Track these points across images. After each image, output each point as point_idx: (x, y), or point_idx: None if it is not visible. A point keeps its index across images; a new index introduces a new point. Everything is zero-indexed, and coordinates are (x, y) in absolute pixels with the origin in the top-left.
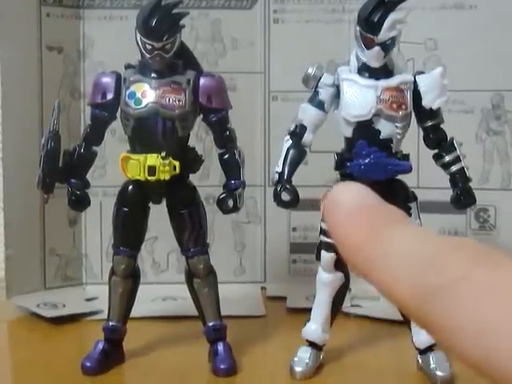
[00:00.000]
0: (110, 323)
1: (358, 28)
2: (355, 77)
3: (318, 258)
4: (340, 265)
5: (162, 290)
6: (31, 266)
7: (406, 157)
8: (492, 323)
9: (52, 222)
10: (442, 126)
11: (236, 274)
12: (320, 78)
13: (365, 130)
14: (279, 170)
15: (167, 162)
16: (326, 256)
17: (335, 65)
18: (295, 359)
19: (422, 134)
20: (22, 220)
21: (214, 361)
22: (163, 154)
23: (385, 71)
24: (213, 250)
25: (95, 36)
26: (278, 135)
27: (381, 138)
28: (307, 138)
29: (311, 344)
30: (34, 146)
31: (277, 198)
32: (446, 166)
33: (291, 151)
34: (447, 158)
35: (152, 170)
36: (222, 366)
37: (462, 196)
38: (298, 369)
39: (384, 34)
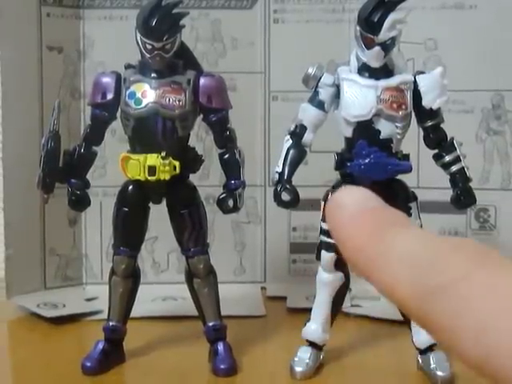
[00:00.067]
0: (110, 323)
1: (358, 28)
2: (355, 77)
3: (318, 257)
4: (340, 265)
5: (162, 290)
6: (31, 266)
7: (406, 157)
8: (492, 323)
9: (52, 222)
10: (442, 125)
11: (236, 273)
12: (320, 78)
13: (365, 129)
14: (279, 169)
15: (167, 161)
16: (326, 256)
17: (335, 65)
18: (295, 359)
19: (422, 133)
20: (22, 220)
21: (214, 361)
22: (163, 154)
23: (385, 71)
24: (213, 250)
25: (95, 36)
26: (278, 135)
27: (381, 137)
28: (307, 137)
29: (311, 344)
30: (34, 146)
31: (277, 197)
32: (446, 166)
33: (291, 151)
34: (447, 158)
35: (152, 169)
36: (222, 366)
37: (462, 196)
38: (298, 369)
39: (384, 34)
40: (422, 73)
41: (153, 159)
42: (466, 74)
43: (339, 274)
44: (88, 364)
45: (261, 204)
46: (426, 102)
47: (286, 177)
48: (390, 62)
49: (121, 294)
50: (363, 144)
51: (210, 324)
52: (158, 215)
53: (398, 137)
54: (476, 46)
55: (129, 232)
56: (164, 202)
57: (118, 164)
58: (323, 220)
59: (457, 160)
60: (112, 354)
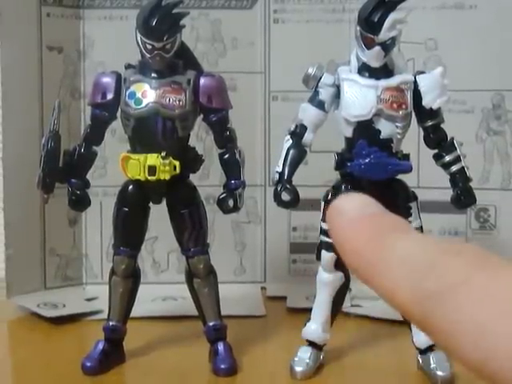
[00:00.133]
0: (111, 323)
1: (358, 28)
2: (355, 77)
3: (319, 257)
4: (340, 265)
5: (162, 290)
6: (31, 265)
7: (407, 157)
8: (491, 327)
9: (52, 221)
10: (442, 125)
11: (236, 273)
12: (320, 78)
13: (365, 129)
14: (279, 169)
15: (167, 161)
16: (327, 256)
17: (335, 65)
18: (295, 359)
19: (422, 133)
20: (22, 220)
21: (215, 361)
22: (163, 153)
23: (385, 71)
24: (213, 250)
25: (95, 36)
26: (278, 135)
27: (381, 137)
28: (307, 137)
29: (311, 344)
30: (34, 146)
31: (277, 197)
32: (446, 166)
33: (291, 151)
34: (447, 158)
35: (152, 169)
36: (223, 366)
37: (463, 196)
38: (298, 369)
39: (384, 34)
40: (423, 73)
41: (153, 159)
42: (467, 73)
43: (339, 273)
44: (88, 364)
45: (261, 204)
46: (426, 102)
47: (286, 177)
48: (390, 62)
49: (121, 293)
50: (363, 144)
51: (210, 324)
52: (158, 215)
53: (398, 137)
54: (476, 46)
55: (129, 232)
56: (164, 202)
57: (118, 164)
58: (323, 220)
59: (457, 160)
60: (112, 353)
